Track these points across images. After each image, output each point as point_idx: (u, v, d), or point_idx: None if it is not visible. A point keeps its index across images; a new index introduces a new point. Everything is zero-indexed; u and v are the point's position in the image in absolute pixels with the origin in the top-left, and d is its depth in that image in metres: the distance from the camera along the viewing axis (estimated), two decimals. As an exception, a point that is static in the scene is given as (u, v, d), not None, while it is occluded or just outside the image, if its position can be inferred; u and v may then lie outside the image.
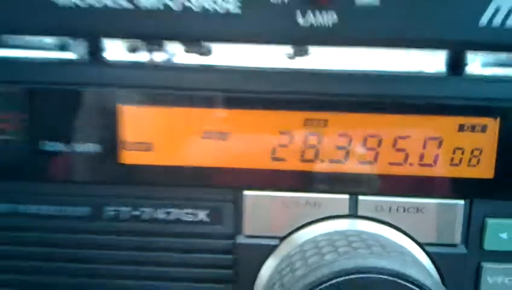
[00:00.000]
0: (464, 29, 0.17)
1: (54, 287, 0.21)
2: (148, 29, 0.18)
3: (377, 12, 0.18)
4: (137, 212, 0.21)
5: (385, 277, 0.16)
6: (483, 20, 0.18)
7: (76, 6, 0.17)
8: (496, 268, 0.21)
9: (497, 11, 0.18)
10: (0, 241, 0.21)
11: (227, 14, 0.18)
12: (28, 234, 0.21)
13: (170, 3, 0.18)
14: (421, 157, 0.20)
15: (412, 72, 0.23)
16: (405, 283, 0.16)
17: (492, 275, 0.21)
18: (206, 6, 0.18)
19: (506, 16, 0.18)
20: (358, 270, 0.16)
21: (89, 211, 0.21)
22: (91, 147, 0.20)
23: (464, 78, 0.21)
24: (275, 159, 0.20)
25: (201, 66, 0.21)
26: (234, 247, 0.21)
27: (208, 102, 0.20)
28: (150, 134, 0.20)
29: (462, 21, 0.18)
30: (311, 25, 0.18)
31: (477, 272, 0.22)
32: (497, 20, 0.18)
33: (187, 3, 0.18)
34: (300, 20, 0.18)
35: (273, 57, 0.22)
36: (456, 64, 0.21)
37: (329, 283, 0.16)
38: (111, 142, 0.20)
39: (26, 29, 0.19)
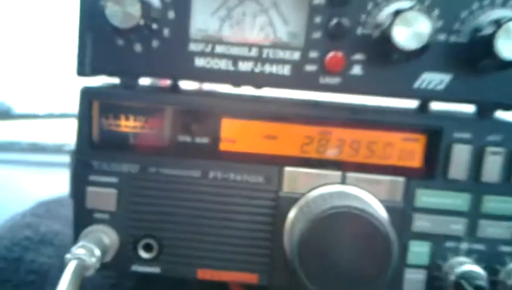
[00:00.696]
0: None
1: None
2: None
3: (361, 79, 0.34)
4: (226, 176, 0.37)
5: (352, 210, 0.32)
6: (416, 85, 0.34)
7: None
8: (422, 217, 0.36)
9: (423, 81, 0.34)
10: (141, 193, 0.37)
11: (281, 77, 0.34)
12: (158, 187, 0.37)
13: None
14: (383, 154, 0.36)
15: (384, 106, 0.38)
16: (363, 214, 0.32)
17: (419, 220, 0.36)
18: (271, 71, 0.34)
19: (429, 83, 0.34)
20: (336, 207, 0.32)
21: (200, 174, 0.37)
22: (205, 140, 0.36)
23: (411, 113, 0.36)
24: (302, 151, 0.36)
25: (261, 97, 0.37)
26: (277, 197, 0.35)
27: (265, 117, 0.36)
28: (235, 134, 0.36)
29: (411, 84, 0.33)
30: (326, 83, 0.34)
31: (410, 219, 0.35)
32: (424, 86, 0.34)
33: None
34: (321, 80, 0.34)
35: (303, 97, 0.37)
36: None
37: (325, 213, 0.32)
38: (216, 138, 0.36)
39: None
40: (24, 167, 0.96)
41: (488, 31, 0.30)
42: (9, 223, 0.47)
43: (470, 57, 0.32)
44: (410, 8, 0.29)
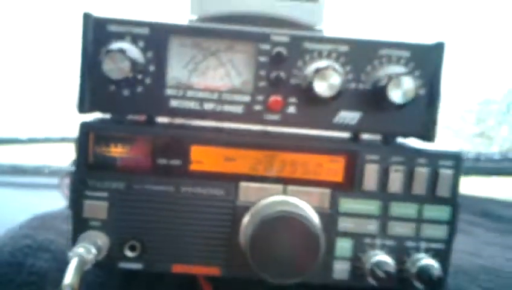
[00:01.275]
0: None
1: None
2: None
3: (296, 116, 0.45)
4: (194, 190, 0.46)
5: (290, 214, 0.42)
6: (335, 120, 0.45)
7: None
8: (345, 219, 0.47)
9: (340, 117, 0.45)
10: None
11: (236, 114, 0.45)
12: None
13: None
14: (315, 171, 0.47)
15: (316, 135, 0.47)
16: (298, 217, 0.42)
17: (343, 222, 0.47)
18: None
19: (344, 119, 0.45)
20: (278, 211, 0.43)
21: (174, 189, 0.46)
22: (178, 162, 0.46)
23: (335, 140, 0.47)
24: (253, 170, 0.46)
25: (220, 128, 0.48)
26: (234, 206, 0.44)
27: (225, 144, 0.46)
28: (201, 157, 0.46)
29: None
30: (270, 119, 0.45)
31: (335, 221, 0.44)
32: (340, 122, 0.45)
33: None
34: (265, 116, 0.45)
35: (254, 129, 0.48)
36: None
37: (270, 216, 0.42)
38: (186, 160, 0.46)
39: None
40: (5, 188, 1.02)
41: (384, 82, 0.42)
42: (10, 234, 0.55)
43: (373, 100, 0.44)
44: (326, 67, 0.41)
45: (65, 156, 0.94)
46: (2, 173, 1.10)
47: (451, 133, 1.00)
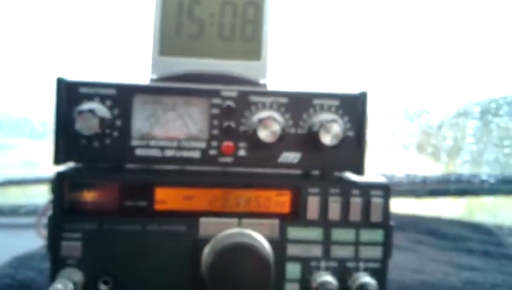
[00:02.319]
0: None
1: None
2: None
3: (246, 158, 0.52)
4: (159, 227, 0.52)
5: (243, 245, 0.49)
6: (279, 160, 0.52)
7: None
8: (293, 246, 0.54)
9: (283, 157, 0.53)
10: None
11: (194, 159, 0.51)
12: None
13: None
14: (265, 205, 0.54)
15: (263, 173, 0.54)
16: (251, 246, 0.49)
17: (291, 248, 0.54)
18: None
19: (287, 159, 0.53)
20: (233, 242, 0.49)
21: (141, 228, 0.52)
22: (144, 203, 0.52)
23: (280, 177, 0.54)
24: (211, 206, 0.53)
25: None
26: (196, 240, 0.50)
27: (185, 185, 0.53)
28: (165, 197, 0.52)
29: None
30: (224, 162, 0.52)
31: (285, 248, 0.51)
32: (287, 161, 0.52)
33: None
34: (220, 160, 0.52)
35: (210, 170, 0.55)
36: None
37: (226, 246, 0.49)
38: (151, 201, 0.52)
39: None
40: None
41: (316, 127, 0.50)
42: None
43: (310, 142, 0.51)
44: (267, 118, 0.48)
45: (40, 197, 0.98)
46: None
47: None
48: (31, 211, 1.10)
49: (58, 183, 0.50)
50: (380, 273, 0.52)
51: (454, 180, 0.99)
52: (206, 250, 0.50)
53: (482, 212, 1.06)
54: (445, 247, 0.84)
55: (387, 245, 0.53)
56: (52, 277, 0.49)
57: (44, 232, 0.83)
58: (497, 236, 0.89)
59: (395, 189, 1.02)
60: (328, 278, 0.51)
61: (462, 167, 1.07)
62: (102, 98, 0.50)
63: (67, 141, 0.50)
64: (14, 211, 1.12)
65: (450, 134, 1.08)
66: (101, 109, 0.49)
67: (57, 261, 0.50)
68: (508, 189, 0.98)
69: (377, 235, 0.53)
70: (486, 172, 1.02)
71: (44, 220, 0.84)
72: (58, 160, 0.50)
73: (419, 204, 1.02)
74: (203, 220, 0.51)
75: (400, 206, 1.02)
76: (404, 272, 0.66)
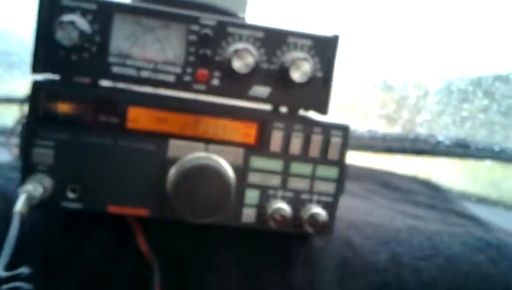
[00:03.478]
0: None
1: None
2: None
3: (219, 87, 0.55)
4: (130, 144, 0.55)
5: (207, 165, 0.53)
6: (250, 93, 0.55)
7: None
8: (254, 174, 0.58)
9: (254, 91, 0.55)
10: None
11: (168, 82, 0.54)
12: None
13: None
14: (232, 134, 0.57)
15: (236, 106, 0.57)
16: (214, 167, 0.53)
17: (252, 176, 0.58)
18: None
19: (257, 92, 0.56)
20: (199, 163, 0.52)
21: (112, 142, 0.55)
22: (117, 120, 0.54)
23: (250, 110, 0.57)
24: (182, 130, 0.56)
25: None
26: (164, 159, 0.53)
27: (158, 107, 0.55)
28: (137, 117, 0.55)
29: None
30: (197, 88, 0.55)
31: (246, 175, 0.55)
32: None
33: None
34: (194, 86, 0.55)
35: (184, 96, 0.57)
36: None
37: (192, 166, 0.52)
38: (123, 119, 0.54)
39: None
40: None
41: (288, 64, 0.52)
42: None
43: (280, 78, 0.54)
44: (242, 49, 0.51)
45: (10, 116, 0.99)
46: None
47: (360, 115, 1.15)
48: (1, 131, 1.10)
49: (35, 91, 0.51)
50: (331, 207, 0.57)
51: (412, 139, 1.05)
52: (173, 170, 0.53)
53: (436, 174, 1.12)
54: (396, 198, 0.90)
55: (340, 182, 0.57)
56: (23, 180, 0.51)
57: (15, 150, 0.85)
58: (445, 193, 0.96)
59: (357, 143, 1.07)
60: (283, 205, 0.55)
61: (421, 127, 1.13)
62: (83, 12, 0.51)
63: (46, 51, 0.51)
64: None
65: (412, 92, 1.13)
66: (82, 22, 0.50)
67: (28, 167, 0.52)
68: (462, 152, 1.05)
69: (333, 172, 0.57)
70: (444, 134, 1.08)
71: (15, 140, 0.86)
72: (36, 69, 0.51)
73: (377, 160, 1.08)
74: (172, 142, 0.54)
75: (359, 159, 1.08)
76: (355, 214, 0.72)
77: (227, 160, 0.54)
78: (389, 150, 1.04)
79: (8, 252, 0.43)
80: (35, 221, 0.57)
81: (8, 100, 1.08)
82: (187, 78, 0.54)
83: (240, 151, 0.55)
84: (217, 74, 0.54)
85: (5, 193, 0.59)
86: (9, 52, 1.26)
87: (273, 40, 0.54)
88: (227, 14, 0.57)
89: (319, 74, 0.55)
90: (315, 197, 0.57)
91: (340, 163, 0.57)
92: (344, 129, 0.56)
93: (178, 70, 0.53)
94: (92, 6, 0.51)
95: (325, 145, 0.56)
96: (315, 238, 0.62)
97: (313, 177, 0.57)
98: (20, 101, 0.90)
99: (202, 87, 0.54)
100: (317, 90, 0.55)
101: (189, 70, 0.53)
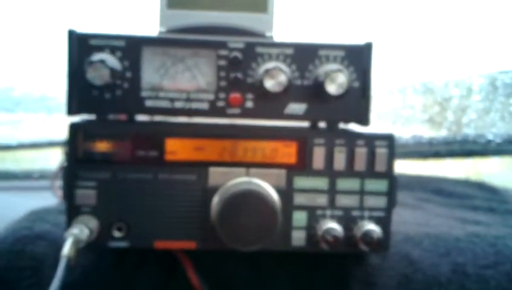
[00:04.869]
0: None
1: None
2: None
3: (253, 110, 0.53)
4: (170, 176, 0.54)
5: (252, 191, 0.51)
6: (286, 111, 0.53)
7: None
8: (299, 195, 0.56)
9: (289, 108, 0.54)
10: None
11: (202, 110, 0.53)
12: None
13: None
14: (271, 155, 0.55)
15: (270, 125, 0.55)
16: (259, 193, 0.51)
17: (297, 197, 0.56)
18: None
19: (293, 110, 0.54)
20: (242, 189, 0.51)
21: (152, 176, 0.54)
22: (155, 153, 0.54)
23: (288, 129, 0.55)
24: (220, 157, 0.54)
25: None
26: (205, 189, 0.52)
27: (194, 136, 0.54)
28: (175, 148, 0.54)
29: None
30: (231, 113, 0.54)
31: (291, 197, 0.52)
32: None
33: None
34: (227, 111, 0.53)
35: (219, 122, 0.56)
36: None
37: (235, 193, 0.50)
38: (162, 151, 0.54)
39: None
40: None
41: (322, 78, 0.51)
42: (10, 227, 0.62)
43: (315, 93, 0.52)
44: (273, 68, 0.49)
45: (53, 160, 1.01)
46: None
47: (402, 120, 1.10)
48: (44, 175, 1.13)
49: (72, 133, 0.52)
50: (384, 222, 0.54)
51: (460, 141, 1.00)
52: (215, 198, 0.52)
53: (488, 174, 1.06)
54: (451, 205, 0.85)
55: (391, 194, 0.54)
56: (69, 224, 0.51)
57: (60, 192, 0.86)
58: (502, 194, 0.90)
59: (402, 150, 1.03)
60: (334, 225, 0.53)
61: (468, 127, 1.07)
62: (112, 50, 0.51)
63: (79, 92, 0.51)
64: (27, 175, 1.15)
65: (455, 92, 1.07)
66: (112, 60, 0.50)
67: (72, 209, 0.52)
68: (514, 149, 0.98)
69: (382, 184, 0.54)
70: (493, 132, 1.02)
71: (59, 183, 0.87)
72: (71, 111, 0.52)
73: (425, 166, 1.03)
74: (212, 170, 0.53)
75: (406, 167, 1.03)
76: (409, 226, 0.68)
77: (270, 183, 0.53)
78: (437, 154, 0.99)
79: None
80: (85, 263, 0.57)
81: (50, 144, 1.11)
82: (220, 104, 0.53)
83: (282, 172, 0.53)
84: (250, 96, 0.52)
85: (53, 238, 0.59)
86: (47, 98, 1.30)
87: (304, 55, 0.52)
88: (255, 34, 0.56)
89: (356, 84, 0.53)
90: (366, 213, 0.54)
91: (388, 174, 0.54)
92: (389, 138, 0.54)
93: (211, 97, 0.52)
94: (121, 42, 0.51)
95: (371, 157, 0.53)
96: (371, 255, 0.59)
97: (361, 193, 0.54)
98: (62, 144, 0.93)
99: (236, 111, 0.53)
100: (356, 101, 0.53)
101: (221, 95, 0.52)
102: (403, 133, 1.05)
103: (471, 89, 1.05)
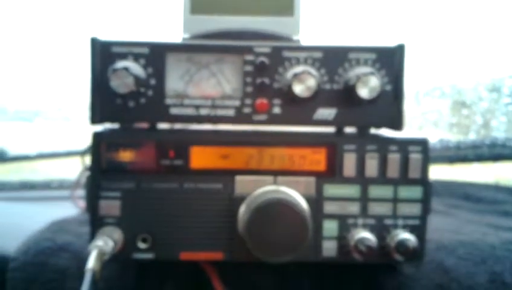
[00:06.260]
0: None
1: None
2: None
3: (280, 115, 0.51)
4: (195, 185, 0.52)
5: (281, 200, 0.49)
6: (315, 117, 0.51)
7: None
8: (329, 203, 0.54)
9: (318, 114, 0.52)
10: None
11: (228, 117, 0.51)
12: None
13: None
14: (299, 163, 0.53)
15: (299, 132, 0.53)
16: (288, 203, 0.49)
17: (328, 206, 0.53)
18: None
19: (322, 115, 0.52)
20: (270, 199, 0.49)
21: (178, 185, 0.52)
22: (180, 162, 0.52)
23: (315, 135, 0.53)
24: (247, 165, 0.53)
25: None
26: (232, 198, 0.51)
27: (220, 143, 0.52)
28: (200, 156, 0.52)
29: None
30: (258, 119, 0.52)
31: (321, 205, 0.50)
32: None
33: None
34: (254, 117, 0.52)
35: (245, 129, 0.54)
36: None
37: (263, 203, 0.49)
38: (187, 160, 0.52)
39: None
40: (17, 202, 1.08)
41: (353, 81, 0.48)
42: (32, 239, 0.61)
43: (346, 97, 0.50)
44: (302, 72, 0.48)
45: (72, 169, 1.00)
46: (12, 189, 1.16)
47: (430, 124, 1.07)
48: (62, 185, 1.13)
49: (96, 143, 0.50)
50: (419, 230, 0.51)
51: (489, 144, 0.96)
52: (243, 208, 0.50)
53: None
54: (482, 210, 0.82)
55: (426, 202, 0.52)
56: (92, 236, 0.50)
57: (81, 203, 0.85)
58: (535, 199, 0.86)
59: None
60: (367, 234, 0.50)
61: (497, 130, 1.03)
62: (136, 57, 0.50)
63: (103, 100, 0.50)
64: (46, 185, 1.15)
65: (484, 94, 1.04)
66: (135, 67, 0.49)
67: (96, 221, 0.50)
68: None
69: (416, 191, 0.52)
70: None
71: (79, 192, 0.87)
72: (94, 120, 0.50)
73: (453, 171, 1.00)
74: (238, 178, 0.51)
75: (433, 172, 1.00)
76: (442, 233, 0.65)
77: (298, 191, 0.51)
78: (465, 159, 0.96)
79: None
80: (109, 276, 0.56)
81: (69, 154, 1.10)
82: (247, 110, 0.51)
83: (311, 180, 0.51)
84: (277, 101, 0.51)
85: (75, 250, 0.58)
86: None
87: (333, 58, 0.50)
88: (281, 39, 0.54)
89: (388, 88, 0.51)
90: (400, 222, 0.52)
91: (423, 181, 0.51)
92: (423, 143, 0.51)
93: (237, 103, 0.51)
94: (144, 50, 0.50)
95: (404, 163, 0.51)
96: (403, 264, 0.56)
97: (395, 200, 0.52)
98: (80, 154, 0.92)
99: (263, 117, 0.51)
100: (388, 105, 0.51)
101: (248, 101, 0.51)
102: (430, 137, 1.02)
103: (500, 91, 1.02)
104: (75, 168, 0.95)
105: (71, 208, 0.85)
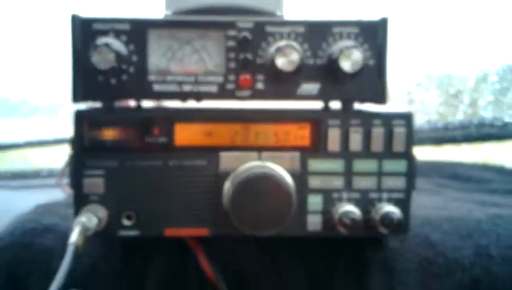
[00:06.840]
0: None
1: None
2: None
3: (264, 91, 0.51)
4: (180, 162, 0.52)
5: (265, 174, 0.49)
6: (298, 92, 0.51)
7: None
8: (314, 178, 0.54)
9: (302, 89, 0.52)
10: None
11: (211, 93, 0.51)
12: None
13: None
14: (284, 138, 0.53)
15: (284, 109, 0.53)
16: (272, 177, 0.49)
17: (312, 180, 0.54)
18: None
19: (306, 90, 0.52)
20: (254, 173, 0.49)
21: (162, 163, 0.52)
22: (164, 139, 0.52)
23: (300, 111, 0.53)
24: (231, 141, 0.53)
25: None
26: (217, 174, 0.51)
27: (204, 120, 0.52)
28: (184, 133, 0.52)
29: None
30: (241, 95, 0.52)
31: (306, 180, 0.51)
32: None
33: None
34: (237, 93, 0.52)
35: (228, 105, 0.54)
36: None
37: (248, 177, 0.49)
38: (171, 137, 0.52)
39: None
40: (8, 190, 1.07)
41: (336, 55, 0.48)
42: (18, 219, 0.61)
43: (329, 71, 0.50)
44: (285, 46, 0.47)
45: (62, 158, 1.00)
46: (2, 178, 1.15)
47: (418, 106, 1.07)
48: (52, 174, 1.12)
49: (78, 121, 0.50)
50: (404, 203, 0.52)
51: (477, 124, 0.97)
52: (227, 183, 0.50)
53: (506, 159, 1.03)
54: (469, 189, 0.83)
55: (410, 175, 0.52)
56: (76, 213, 0.50)
57: (67, 189, 0.85)
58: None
59: (416, 136, 1.00)
60: (351, 208, 0.51)
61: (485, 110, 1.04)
62: (117, 33, 0.49)
63: (84, 78, 0.50)
64: (35, 173, 1.14)
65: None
66: (116, 44, 0.48)
67: (80, 198, 0.50)
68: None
69: (400, 165, 0.52)
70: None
71: (66, 180, 0.86)
72: (76, 98, 0.50)
73: (441, 152, 1.00)
74: (223, 154, 0.51)
75: (421, 153, 1.00)
76: (428, 210, 0.65)
77: (283, 166, 0.51)
78: (453, 140, 0.96)
79: (59, 282, 0.41)
80: (95, 254, 0.56)
81: (57, 141, 1.10)
82: (230, 86, 0.51)
83: (296, 155, 0.51)
84: (260, 77, 0.51)
85: (61, 231, 0.58)
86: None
87: (316, 32, 0.50)
88: (264, 14, 0.54)
89: (371, 62, 0.51)
90: (385, 195, 0.52)
91: (407, 155, 0.52)
92: (407, 117, 0.51)
93: (220, 79, 0.51)
94: (125, 26, 0.49)
95: (388, 137, 0.51)
96: (389, 239, 0.57)
97: (379, 174, 0.52)
98: (68, 141, 0.91)
99: (247, 93, 0.51)
100: (372, 80, 0.51)
101: (231, 77, 0.51)
102: (418, 118, 1.02)
103: (486, 73, 1.02)
104: (64, 157, 0.94)
105: (60, 195, 0.85)
